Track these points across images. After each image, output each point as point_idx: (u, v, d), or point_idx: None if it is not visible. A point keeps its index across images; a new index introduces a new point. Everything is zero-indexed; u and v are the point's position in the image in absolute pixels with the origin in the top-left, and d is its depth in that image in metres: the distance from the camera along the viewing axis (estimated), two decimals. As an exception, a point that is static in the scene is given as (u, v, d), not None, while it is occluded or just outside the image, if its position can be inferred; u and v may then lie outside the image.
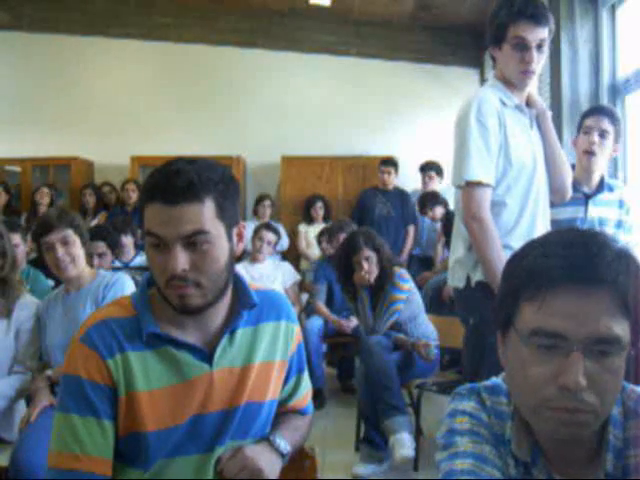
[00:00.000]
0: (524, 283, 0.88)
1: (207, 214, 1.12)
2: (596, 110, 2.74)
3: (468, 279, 2.10)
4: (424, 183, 5.78)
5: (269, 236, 4.52)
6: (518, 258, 0.93)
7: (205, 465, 1.21)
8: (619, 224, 2.72)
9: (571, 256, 0.85)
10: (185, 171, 1.12)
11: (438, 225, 5.26)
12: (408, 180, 6.17)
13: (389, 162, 5.76)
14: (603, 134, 2.64)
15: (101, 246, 3.35)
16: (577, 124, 2.79)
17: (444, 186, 5.61)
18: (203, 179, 1.12)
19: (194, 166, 1.14)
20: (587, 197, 2.67)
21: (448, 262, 2.30)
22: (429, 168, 5.76)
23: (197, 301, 1.14)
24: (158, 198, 1.11)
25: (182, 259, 1.11)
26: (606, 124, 2.64)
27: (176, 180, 1.11)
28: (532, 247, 0.92)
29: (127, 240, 4.29)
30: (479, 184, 2.03)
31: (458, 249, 2.16)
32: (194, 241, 1.12)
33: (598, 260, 0.84)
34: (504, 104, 2.09)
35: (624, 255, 0.86)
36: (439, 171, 5.76)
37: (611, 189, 2.74)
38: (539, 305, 0.86)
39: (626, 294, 0.84)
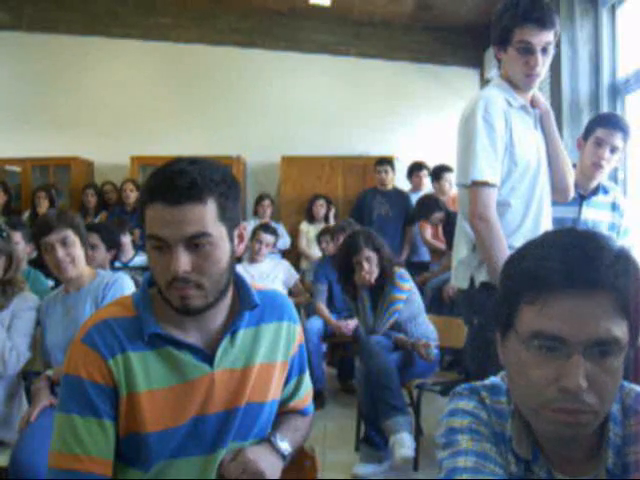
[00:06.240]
0: (524, 286, 0.89)
1: (209, 215, 1.12)
2: (611, 123, 2.65)
3: (472, 280, 2.10)
4: (417, 184, 5.76)
5: (267, 238, 4.53)
6: (517, 260, 0.93)
7: (208, 467, 1.21)
8: (612, 227, 2.72)
9: (570, 259, 0.85)
10: (187, 171, 1.11)
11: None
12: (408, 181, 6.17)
13: (384, 161, 5.75)
14: (614, 149, 2.62)
15: (94, 237, 3.27)
16: (587, 125, 2.72)
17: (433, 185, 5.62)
18: (206, 180, 1.11)
19: (196, 166, 1.13)
20: (582, 198, 2.67)
21: (448, 263, 2.29)
22: (423, 167, 5.75)
23: (198, 302, 1.14)
24: (159, 199, 1.10)
25: (184, 261, 1.10)
26: (619, 140, 2.60)
27: (178, 180, 1.10)
28: (531, 248, 0.92)
29: (125, 239, 4.28)
30: (485, 184, 2.03)
31: (461, 249, 2.16)
32: (196, 243, 1.11)
33: (597, 263, 0.84)
34: (510, 104, 2.09)
35: (623, 257, 0.87)
36: (429, 170, 5.76)
37: (606, 192, 2.74)
38: (539, 308, 0.86)
39: (625, 296, 0.85)
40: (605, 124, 2.64)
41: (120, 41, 6.90)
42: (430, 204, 4.86)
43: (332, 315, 4.22)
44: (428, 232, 5.14)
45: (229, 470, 1.21)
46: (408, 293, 3.29)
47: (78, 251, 2.31)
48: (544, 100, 2.26)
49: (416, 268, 5.08)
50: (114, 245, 3.49)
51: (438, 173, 5.38)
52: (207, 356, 1.20)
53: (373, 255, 3.25)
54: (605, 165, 2.63)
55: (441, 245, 5.05)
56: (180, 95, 6.89)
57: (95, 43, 6.87)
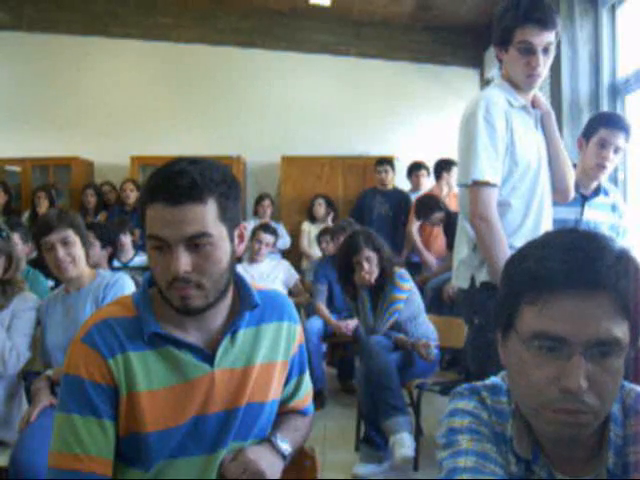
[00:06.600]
0: (525, 286, 0.89)
1: (209, 215, 1.12)
2: (614, 123, 2.64)
3: (473, 279, 2.10)
4: (417, 184, 5.74)
5: (267, 238, 4.53)
6: (518, 260, 0.93)
7: (209, 467, 1.21)
8: (612, 227, 2.72)
9: (571, 260, 0.85)
10: (188, 171, 1.11)
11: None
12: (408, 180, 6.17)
13: (384, 161, 5.75)
14: (617, 150, 2.62)
15: (88, 234, 3.21)
16: (589, 125, 2.71)
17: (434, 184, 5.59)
18: (206, 180, 1.12)
19: (197, 166, 1.13)
20: (584, 199, 2.67)
21: (448, 263, 2.29)
22: (422, 167, 5.74)
23: (198, 302, 1.14)
24: (160, 199, 1.10)
25: (184, 261, 1.10)
26: (622, 141, 2.60)
27: (179, 180, 1.10)
28: (532, 249, 0.92)
29: (125, 239, 4.28)
30: (486, 184, 2.03)
31: (462, 249, 2.16)
32: (196, 243, 1.11)
33: (598, 264, 0.84)
34: (510, 104, 2.09)
35: (624, 258, 0.87)
36: (428, 170, 5.74)
37: (606, 193, 2.74)
38: (540, 309, 0.86)
39: (626, 296, 0.85)
40: (607, 124, 2.63)
41: (120, 41, 6.90)
42: (430, 204, 4.83)
43: (332, 315, 4.22)
44: (415, 227, 5.12)
45: (230, 470, 1.21)
46: (408, 293, 3.29)
47: (78, 251, 2.31)
48: (545, 100, 2.26)
49: (416, 268, 5.08)
50: (110, 243, 3.46)
51: (447, 166, 5.32)
52: (207, 356, 1.20)
53: (373, 255, 3.25)
54: (609, 166, 2.63)
55: (419, 244, 5.05)
56: (180, 95, 6.89)
57: (95, 43, 6.88)
